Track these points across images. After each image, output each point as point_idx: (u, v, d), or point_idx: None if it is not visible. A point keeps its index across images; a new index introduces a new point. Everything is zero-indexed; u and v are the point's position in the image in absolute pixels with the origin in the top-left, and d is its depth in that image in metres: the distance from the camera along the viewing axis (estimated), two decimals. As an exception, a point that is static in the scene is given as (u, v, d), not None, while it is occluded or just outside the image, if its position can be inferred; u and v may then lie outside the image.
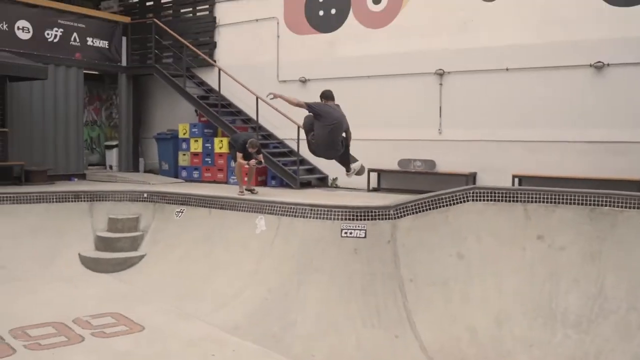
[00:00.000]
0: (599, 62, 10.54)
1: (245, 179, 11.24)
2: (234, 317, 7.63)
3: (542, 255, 7.46)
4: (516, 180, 10.91)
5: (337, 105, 8.66)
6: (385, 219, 8.31)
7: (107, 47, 15.18)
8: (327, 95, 8.68)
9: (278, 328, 7.36)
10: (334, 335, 7.25)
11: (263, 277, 8.41)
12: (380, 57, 12.67)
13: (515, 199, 7.84)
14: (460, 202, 8.09)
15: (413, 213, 8.25)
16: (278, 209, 9.20)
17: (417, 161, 12.04)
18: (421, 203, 8.25)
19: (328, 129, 8.21)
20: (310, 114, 8.36)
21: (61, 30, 14.15)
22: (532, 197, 7.74)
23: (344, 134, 8.53)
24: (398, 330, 7.29)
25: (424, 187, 11.19)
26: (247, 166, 11.08)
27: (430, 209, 8.19)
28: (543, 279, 7.30)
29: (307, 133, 8.54)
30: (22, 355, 6.36)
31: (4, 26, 13.09)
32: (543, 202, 7.66)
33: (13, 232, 9.95)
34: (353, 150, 12.26)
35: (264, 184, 13.11)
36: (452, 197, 8.14)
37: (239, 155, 11.05)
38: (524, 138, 11.23)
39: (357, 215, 8.42)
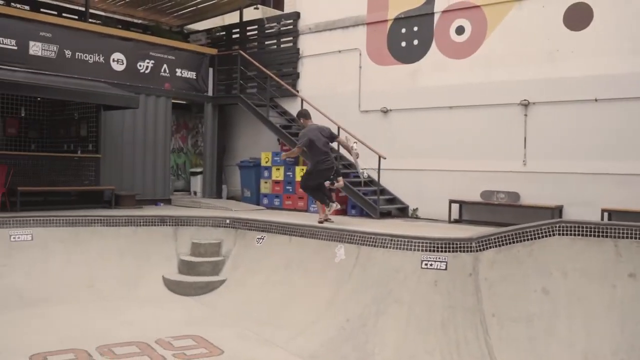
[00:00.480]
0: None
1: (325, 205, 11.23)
2: (312, 345, 7.61)
3: (634, 294, 7.08)
4: (605, 214, 10.46)
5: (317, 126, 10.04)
6: (467, 251, 8.12)
7: (194, 77, 15.73)
8: (305, 114, 9.94)
9: (355, 358, 7.29)
10: (412, 368, 7.10)
11: (341, 306, 8.37)
12: (463, 88, 12.55)
13: (605, 234, 7.49)
14: (546, 235, 7.80)
15: (496, 246, 8.02)
16: (358, 238, 9.17)
17: (500, 193, 11.77)
18: (505, 236, 8.02)
19: (320, 154, 9.96)
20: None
21: (152, 62, 14.80)
22: (623, 233, 7.37)
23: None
24: (479, 366, 7.07)
25: (507, 219, 10.91)
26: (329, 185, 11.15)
27: (514, 242, 7.95)
28: (636, 320, 6.92)
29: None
30: (107, 373, 6.57)
31: (100, 58, 13.81)
32: (636, 237, 7.29)
33: (102, 253, 10.35)
34: (434, 180, 12.19)
35: (343, 213, 13.13)
36: (538, 230, 7.87)
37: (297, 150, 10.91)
38: (613, 171, 10.78)
39: (438, 247, 8.28)
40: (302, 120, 10.17)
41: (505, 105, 11.99)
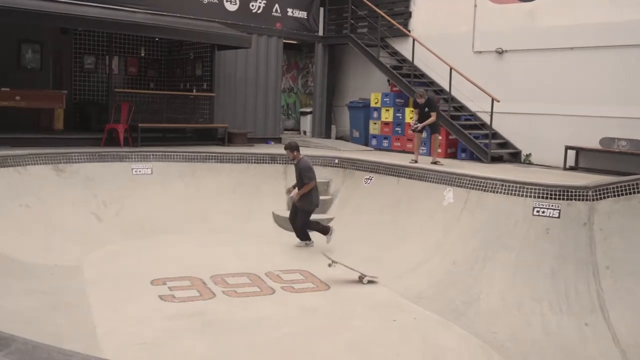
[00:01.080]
0: None
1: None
2: (417, 286, 7.67)
3: None
4: None
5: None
6: (583, 200, 7.82)
7: (305, 17, 15.73)
8: (297, 147, 9.42)
9: (460, 302, 7.28)
10: (518, 315, 7.01)
11: (448, 249, 8.35)
12: (587, 27, 11.77)
13: None
14: (671, 186, 7.37)
15: (615, 196, 7.66)
16: (467, 182, 9.03)
17: (622, 140, 11.13)
18: (624, 185, 7.62)
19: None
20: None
21: (264, 1, 14.89)
22: None
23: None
24: (589, 319, 6.85)
25: (628, 168, 10.34)
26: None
27: (634, 192, 7.55)
28: None
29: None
30: (220, 299, 6.94)
31: (215, -1, 14.08)
32: None
33: (216, 188, 10.80)
34: (550, 125, 11.63)
35: (453, 156, 12.92)
36: (662, 180, 7.44)
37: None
38: None
39: (551, 194, 8.02)
40: (295, 153, 9.38)
41: (631, 46, 11.17)
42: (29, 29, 13.16)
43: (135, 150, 11.10)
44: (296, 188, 9.35)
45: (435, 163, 10.83)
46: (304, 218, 9.36)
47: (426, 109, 10.89)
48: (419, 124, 10.97)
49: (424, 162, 10.76)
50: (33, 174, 9.43)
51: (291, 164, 9.73)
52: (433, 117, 10.87)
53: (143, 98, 13.59)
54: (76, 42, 14.43)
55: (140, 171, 10.58)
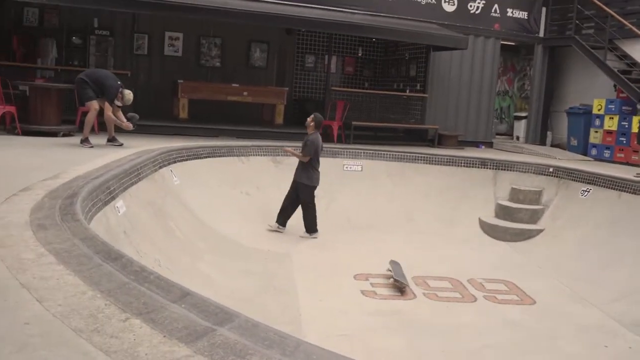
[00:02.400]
0: None
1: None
2: (635, 312, 7.00)
3: None
4: None
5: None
6: None
7: (526, 17, 15.11)
8: (320, 123, 9.21)
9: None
10: None
11: (674, 275, 7.54)
12: None
13: None
14: None
15: None
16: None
17: None
18: None
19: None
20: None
21: (483, 1, 14.55)
22: None
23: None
24: None
25: None
26: None
27: None
28: None
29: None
30: (421, 301, 6.96)
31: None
32: None
33: (423, 190, 10.81)
34: None
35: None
36: None
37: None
38: None
39: None
40: (312, 125, 9.15)
41: None
42: (258, 29, 14.21)
43: (348, 147, 11.50)
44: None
45: None
46: (306, 194, 9.09)
47: None
48: None
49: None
50: (254, 164, 10.18)
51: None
52: None
53: (357, 97, 14.04)
54: (299, 42, 15.30)
55: (350, 167, 10.93)
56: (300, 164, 9.14)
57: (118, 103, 9.03)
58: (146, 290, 2.80)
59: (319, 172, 9.14)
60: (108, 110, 8.89)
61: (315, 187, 9.15)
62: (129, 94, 9.07)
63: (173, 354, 2.17)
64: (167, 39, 14.14)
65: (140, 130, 9.98)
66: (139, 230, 6.01)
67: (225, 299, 5.62)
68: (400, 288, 7.17)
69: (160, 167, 8.07)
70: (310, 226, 9.19)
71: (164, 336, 2.30)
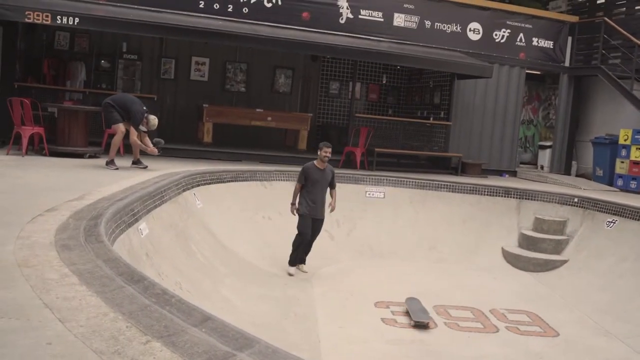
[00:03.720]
0: None
1: None
2: (661, 346, 6.87)
3: None
4: None
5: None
6: None
7: (551, 47, 15.06)
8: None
9: None
10: None
11: (703, 310, 7.37)
12: None
13: None
14: None
15: None
16: None
17: None
18: None
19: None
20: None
21: (508, 31, 14.55)
22: None
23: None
24: None
25: None
26: None
27: None
28: None
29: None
30: (442, 331, 6.88)
31: (458, 28, 14.07)
32: None
33: (446, 218, 10.74)
34: None
35: None
36: None
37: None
38: None
39: None
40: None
41: None
42: (284, 56, 14.38)
43: (370, 173, 11.50)
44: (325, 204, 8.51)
45: None
46: (298, 223, 8.38)
47: None
48: None
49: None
50: (277, 188, 10.20)
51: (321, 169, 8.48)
52: None
53: (381, 124, 14.07)
54: (324, 68, 15.43)
55: (373, 194, 10.91)
56: None
57: (143, 128, 9.17)
58: (167, 313, 2.81)
59: (313, 202, 8.31)
60: (134, 135, 9.04)
61: (305, 217, 8.32)
62: (154, 119, 9.20)
63: (192, 378, 2.18)
64: (193, 64, 14.37)
65: (165, 153, 10.12)
66: (161, 253, 6.05)
67: (245, 324, 5.62)
68: (423, 326, 6.91)
69: (184, 190, 8.14)
70: (290, 257, 8.50)
71: (184, 360, 2.30)
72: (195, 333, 2.58)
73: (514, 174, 14.63)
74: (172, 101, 14.08)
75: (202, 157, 11.51)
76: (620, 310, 7.88)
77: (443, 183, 11.27)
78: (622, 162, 13.44)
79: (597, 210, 10.16)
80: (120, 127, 9.07)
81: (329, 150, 8.40)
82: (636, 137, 13.18)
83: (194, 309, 2.94)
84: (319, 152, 8.42)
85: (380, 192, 10.92)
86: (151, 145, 9.22)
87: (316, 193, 8.39)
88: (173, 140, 12.34)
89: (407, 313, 7.20)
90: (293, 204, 8.45)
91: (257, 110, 13.26)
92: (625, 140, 13.42)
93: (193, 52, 14.16)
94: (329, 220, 10.20)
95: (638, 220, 9.36)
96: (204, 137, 12.61)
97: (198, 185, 8.80)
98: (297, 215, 8.41)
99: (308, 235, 8.38)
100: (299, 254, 8.50)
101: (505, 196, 11.07)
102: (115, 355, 2.33)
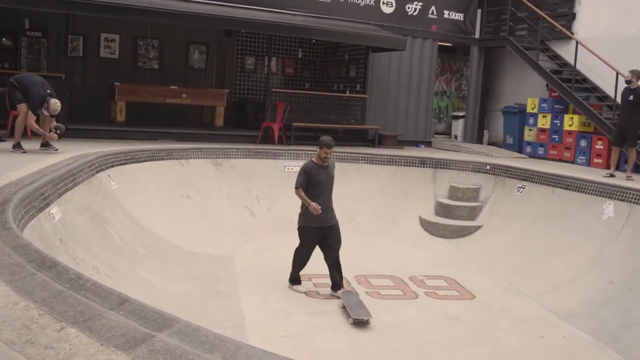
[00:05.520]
0: None
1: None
2: (568, 302, 7.28)
3: None
4: None
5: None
6: None
7: (462, 19, 15.43)
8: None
9: (616, 324, 6.79)
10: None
11: (605, 267, 7.84)
12: None
13: None
14: None
15: None
16: (631, 195, 8.42)
17: None
18: None
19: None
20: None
21: (421, 3, 14.78)
22: None
23: None
24: None
25: None
26: None
27: None
28: None
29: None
30: (363, 300, 7.00)
31: (371, 1, 14.16)
32: None
33: (365, 189, 10.91)
34: None
35: (616, 167, 12.07)
36: None
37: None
38: None
39: None
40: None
41: None
42: (197, 31, 14.06)
43: (289, 148, 11.51)
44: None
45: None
46: (299, 234, 7.45)
47: (631, 97, 9.87)
48: None
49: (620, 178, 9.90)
50: (194, 167, 10.06)
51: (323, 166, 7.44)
52: None
53: (298, 98, 14.04)
54: (238, 43, 15.21)
55: (292, 169, 10.90)
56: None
57: (46, 112, 8.68)
58: (82, 298, 2.74)
59: (320, 208, 7.07)
60: (31, 119, 8.50)
61: (308, 228, 7.32)
62: (55, 104, 8.57)
63: (110, 362, 2.14)
64: (102, 41, 13.83)
65: (77, 134, 9.75)
66: (76, 237, 5.87)
67: (167, 304, 5.55)
68: (363, 323, 6.30)
69: (98, 172, 7.89)
70: (291, 274, 7.44)
71: (101, 345, 2.25)
72: (113, 316, 2.53)
73: (429, 144, 14.98)
74: (82, 80, 13.50)
75: (117, 137, 11.16)
76: (531, 271, 8.29)
77: (361, 155, 11.42)
78: (530, 129, 14.03)
79: (508, 177, 10.59)
80: (23, 108, 8.54)
81: (330, 151, 7.28)
82: (542, 105, 13.77)
83: (111, 292, 2.87)
84: (318, 151, 7.30)
85: (298, 166, 10.90)
86: (50, 131, 8.74)
87: (321, 196, 7.19)
88: (85, 120, 11.90)
89: (344, 308, 6.64)
90: (309, 203, 7.07)
91: (172, 87, 12.98)
92: (532, 109, 14.00)
93: (102, 29, 13.63)
94: (249, 196, 10.18)
95: (546, 184, 9.82)
96: (117, 117, 12.22)
97: (112, 166, 8.54)
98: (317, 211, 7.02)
99: (311, 249, 7.35)
100: (300, 268, 7.37)
101: (421, 166, 11.35)
102: (28, 345, 2.25)
